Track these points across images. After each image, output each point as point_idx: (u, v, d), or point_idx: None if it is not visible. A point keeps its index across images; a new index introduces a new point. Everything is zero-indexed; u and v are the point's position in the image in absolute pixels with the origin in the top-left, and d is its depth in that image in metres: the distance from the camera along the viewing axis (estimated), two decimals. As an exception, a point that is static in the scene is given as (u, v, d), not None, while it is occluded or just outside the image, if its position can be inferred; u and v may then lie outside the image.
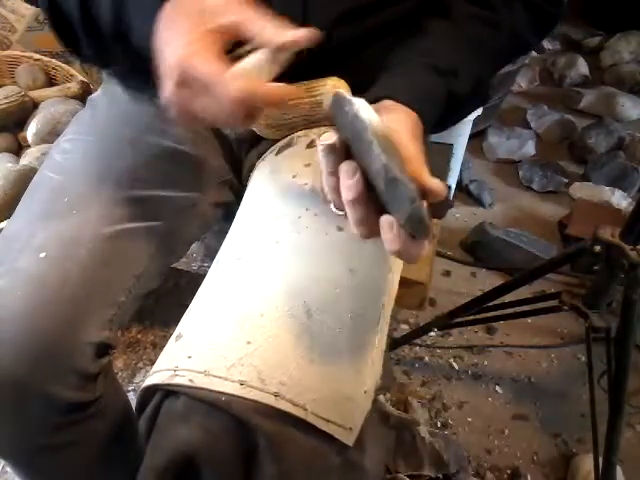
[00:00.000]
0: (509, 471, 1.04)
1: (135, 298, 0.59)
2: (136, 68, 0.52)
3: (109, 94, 0.69)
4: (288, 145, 0.59)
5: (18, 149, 1.07)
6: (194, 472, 0.42)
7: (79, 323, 0.52)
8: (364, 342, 0.47)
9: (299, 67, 0.59)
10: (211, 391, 0.41)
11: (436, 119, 0.52)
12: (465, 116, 0.61)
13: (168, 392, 0.44)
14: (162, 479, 0.42)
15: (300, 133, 0.59)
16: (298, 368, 0.42)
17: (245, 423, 0.40)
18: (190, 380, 0.42)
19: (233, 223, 0.56)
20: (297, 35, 0.42)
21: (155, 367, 0.46)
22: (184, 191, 0.63)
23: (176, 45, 0.40)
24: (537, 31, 0.59)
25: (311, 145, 0.57)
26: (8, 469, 0.95)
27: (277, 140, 0.61)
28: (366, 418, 0.44)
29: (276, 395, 0.41)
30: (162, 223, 0.61)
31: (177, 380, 0.42)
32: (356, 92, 0.60)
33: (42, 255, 0.52)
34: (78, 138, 0.64)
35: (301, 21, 0.55)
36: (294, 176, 0.54)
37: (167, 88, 0.41)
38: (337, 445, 0.42)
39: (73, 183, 0.58)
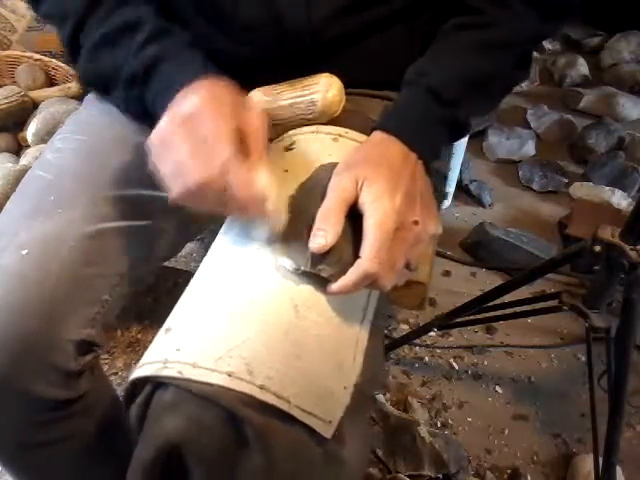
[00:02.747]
0: (509, 471, 1.04)
1: (121, 296, 0.59)
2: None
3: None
4: (288, 146, 0.59)
5: (18, 149, 1.07)
6: (183, 462, 0.42)
7: (59, 320, 0.52)
8: (347, 338, 0.47)
9: (297, 58, 0.59)
10: (200, 382, 0.41)
11: (441, 145, 0.57)
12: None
13: (158, 384, 0.44)
14: (150, 469, 0.42)
15: (289, 133, 0.59)
16: (284, 362, 0.43)
17: (233, 414, 0.41)
18: (179, 372, 0.42)
19: (225, 220, 0.56)
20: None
21: (144, 359, 0.46)
22: None
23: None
24: (547, 21, 0.58)
25: (289, 148, 0.57)
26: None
27: (270, 140, 0.61)
28: (345, 412, 0.45)
29: (262, 387, 0.41)
30: (150, 222, 0.61)
31: (167, 372, 0.42)
32: (351, 85, 0.61)
33: (24, 252, 0.52)
34: (70, 137, 0.64)
35: (305, 11, 0.56)
36: (286, 170, 0.55)
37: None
38: (317, 437, 0.43)
39: (61, 182, 0.58)
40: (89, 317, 0.55)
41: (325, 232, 0.46)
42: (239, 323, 0.44)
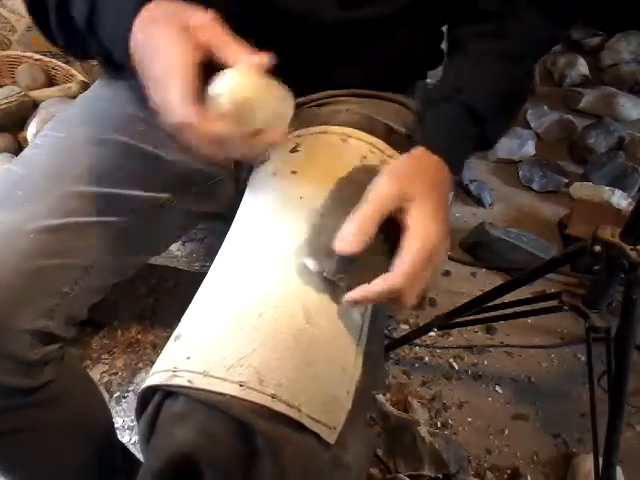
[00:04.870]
0: (509, 471, 1.04)
1: (88, 290, 0.59)
2: (109, 60, 0.52)
3: (93, 94, 0.70)
4: (293, 148, 0.59)
5: (18, 149, 1.07)
6: (193, 473, 0.42)
7: (12, 310, 0.52)
8: (349, 343, 0.47)
9: (299, 57, 0.59)
10: (210, 392, 0.41)
11: (466, 160, 0.58)
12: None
13: (168, 392, 0.44)
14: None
15: (294, 134, 0.59)
16: (294, 370, 0.42)
17: (244, 424, 0.41)
18: (189, 381, 0.42)
19: (233, 224, 0.56)
20: (256, 60, 0.44)
21: (154, 368, 0.46)
22: (154, 191, 0.63)
23: (165, 68, 0.43)
24: (556, 25, 0.59)
25: (295, 149, 0.57)
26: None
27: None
28: (347, 417, 0.45)
29: (273, 397, 0.41)
30: (122, 219, 0.60)
31: (176, 381, 0.42)
32: (354, 85, 0.61)
33: None
34: (50, 134, 0.64)
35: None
36: (294, 172, 0.54)
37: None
38: (323, 444, 0.43)
39: (31, 177, 0.59)
40: (46, 308, 0.55)
41: (353, 237, 0.45)
42: (249, 329, 0.44)
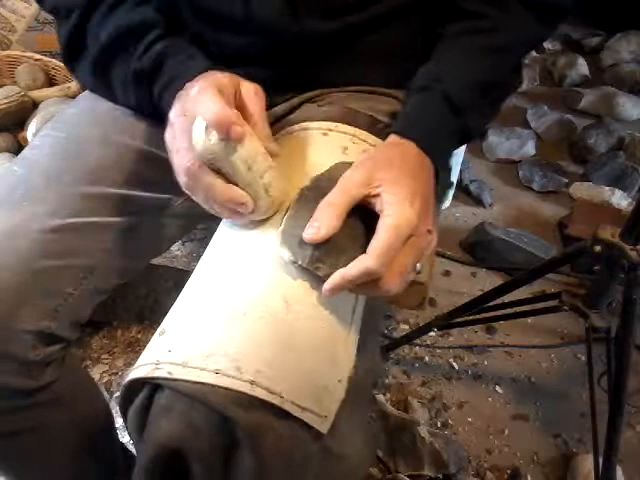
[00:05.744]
0: (509, 471, 1.04)
1: (90, 291, 0.59)
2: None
3: (93, 94, 0.70)
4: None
5: (18, 149, 1.07)
6: (182, 465, 0.42)
7: (14, 311, 0.52)
8: (338, 332, 0.47)
9: (291, 59, 0.60)
10: (189, 382, 0.41)
11: (451, 152, 0.58)
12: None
13: (155, 386, 0.43)
14: (150, 473, 0.42)
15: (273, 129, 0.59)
16: (275, 356, 0.42)
17: (223, 414, 0.40)
18: (169, 372, 0.42)
19: (221, 223, 0.56)
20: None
21: (138, 362, 0.46)
22: (155, 192, 0.63)
23: None
24: (545, 24, 0.59)
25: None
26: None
27: None
28: (340, 406, 0.44)
29: (252, 383, 0.40)
30: (123, 220, 0.60)
31: (157, 373, 0.42)
32: (350, 84, 0.61)
33: None
34: (49, 134, 0.64)
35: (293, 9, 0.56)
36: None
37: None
38: (313, 433, 0.42)
39: (31, 177, 0.59)
40: (49, 309, 0.55)
41: (319, 223, 0.45)
42: (229, 322, 0.44)
